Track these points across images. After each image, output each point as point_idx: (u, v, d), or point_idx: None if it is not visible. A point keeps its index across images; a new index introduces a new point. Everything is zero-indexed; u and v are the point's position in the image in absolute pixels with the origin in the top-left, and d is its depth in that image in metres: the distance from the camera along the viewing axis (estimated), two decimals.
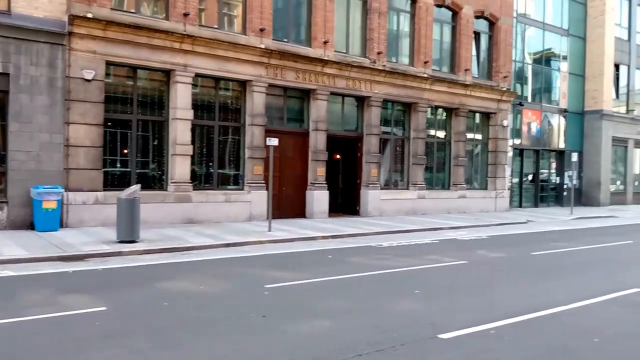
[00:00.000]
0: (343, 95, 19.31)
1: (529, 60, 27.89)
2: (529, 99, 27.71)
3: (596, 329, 6.63)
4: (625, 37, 31.60)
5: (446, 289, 8.79)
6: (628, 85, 31.89)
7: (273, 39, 17.13)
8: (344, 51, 19.11)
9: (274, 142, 14.55)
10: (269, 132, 16.68)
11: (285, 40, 17.69)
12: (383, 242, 13.99)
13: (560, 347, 5.95)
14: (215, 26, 16.31)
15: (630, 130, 31.64)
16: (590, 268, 11.12)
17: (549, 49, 28.79)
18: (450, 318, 6.92)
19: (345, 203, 20.26)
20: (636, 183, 32.97)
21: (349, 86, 18.98)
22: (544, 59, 28.63)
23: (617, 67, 30.99)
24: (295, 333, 6.22)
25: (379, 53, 19.61)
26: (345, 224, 16.84)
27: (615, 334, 6.49)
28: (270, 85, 17.12)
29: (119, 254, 10.97)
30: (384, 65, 19.75)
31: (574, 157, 25.05)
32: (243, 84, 16.78)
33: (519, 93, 26.60)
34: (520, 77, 27.19)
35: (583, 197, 29.76)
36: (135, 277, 9.28)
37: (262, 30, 16.70)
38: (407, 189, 21.13)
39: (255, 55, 16.48)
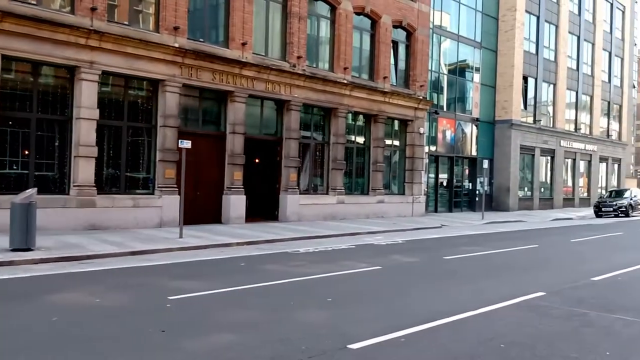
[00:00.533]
0: (262, 98, 18.98)
1: (444, 70, 28.77)
2: (445, 108, 28.57)
3: (503, 335, 6.67)
4: (534, 51, 33.37)
5: (359, 296, 8.64)
6: (535, 97, 33.67)
7: (188, 38, 16.54)
8: (263, 54, 18.80)
9: (186, 144, 13.97)
10: (183, 135, 16.03)
11: (201, 40, 17.13)
12: (300, 248, 13.76)
13: (468, 354, 5.90)
14: (126, 23, 15.52)
15: (537, 140, 33.38)
16: (498, 272, 11.39)
17: (463, 61, 29.87)
18: (361, 327, 6.74)
19: (263, 208, 19.88)
20: (542, 189, 34.81)
21: (268, 89, 18.67)
22: (459, 70, 29.66)
23: (525, 79, 32.63)
24: (194, 350, 5.79)
25: (299, 57, 19.44)
26: (262, 230, 16.48)
27: (520, 339, 6.54)
28: (185, 86, 16.51)
29: (11, 263, 10.05)
30: (304, 70, 19.61)
31: (485, 164, 26.05)
32: (155, 84, 16.05)
33: (435, 102, 27.37)
34: (436, 87, 28.00)
35: (494, 202, 31.03)
36: (26, 289, 8.47)
37: (176, 28, 16.07)
38: (327, 194, 21.07)
39: (168, 54, 15.82)
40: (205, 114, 17.90)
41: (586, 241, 17.49)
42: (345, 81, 20.95)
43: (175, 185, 15.98)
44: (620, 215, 29.60)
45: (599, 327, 7.08)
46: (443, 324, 7.01)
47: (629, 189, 33.88)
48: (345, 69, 21.03)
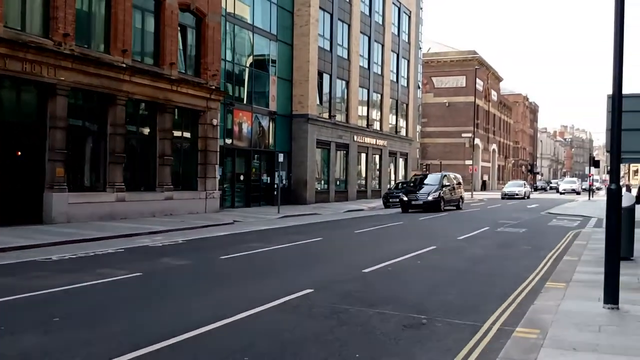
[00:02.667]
0: (19, 81, 16.18)
1: (240, 61, 28.00)
2: (244, 101, 27.85)
3: (253, 345, 5.85)
4: (328, 48, 34.26)
5: (96, 313, 7.21)
6: (330, 92, 34.66)
7: None
8: (19, 28, 16.01)
9: None
10: None
11: None
12: (55, 254, 11.74)
13: None
14: None
15: (332, 134, 34.42)
16: (272, 270, 10.76)
17: (260, 53, 29.42)
18: (75, 355, 5.40)
19: (24, 209, 16.88)
20: (338, 182, 36.06)
21: (26, 70, 15.94)
22: (256, 62, 29.13)
23: (321, 75, 33.35)
24: None
25: (65, 35, 16.96)
26: (17, 234, 13.95)
27: (271, 347, 5.78)
28: None
29: None
30: (72, 50, 17.18)
31: (281, 157, 25.80)
32: None
33: (230, 93, 26.46)
34: (232, 78, 27.08)
35: (292, 196, 31.17)
36: None
37: None
38: (104, 191, 18.85)
39: None
40: None
41: (369, 232, 17.98)
42: (124, 65, 18.88)
43: None
44: None
45: (356, 325, 6.66)
46: (188, 338, 6.00)
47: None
48: (124, 51, 18.95)
